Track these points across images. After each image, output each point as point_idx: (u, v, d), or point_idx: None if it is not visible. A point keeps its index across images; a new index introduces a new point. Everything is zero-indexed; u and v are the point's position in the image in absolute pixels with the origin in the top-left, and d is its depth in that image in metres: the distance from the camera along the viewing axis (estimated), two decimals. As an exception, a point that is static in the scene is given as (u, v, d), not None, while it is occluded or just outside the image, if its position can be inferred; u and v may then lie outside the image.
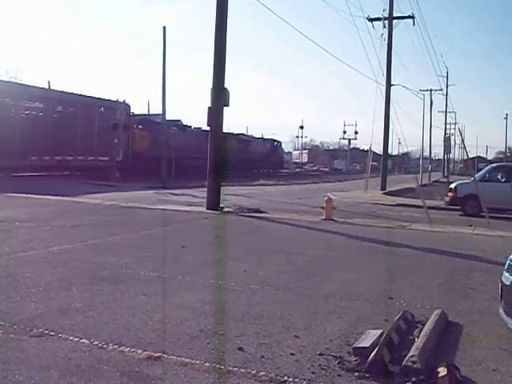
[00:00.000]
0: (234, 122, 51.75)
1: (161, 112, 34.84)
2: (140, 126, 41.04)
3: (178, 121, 46.85)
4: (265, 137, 76.96)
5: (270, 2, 28.07)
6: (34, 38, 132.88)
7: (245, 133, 69.13)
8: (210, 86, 17.28)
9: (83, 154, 35.61)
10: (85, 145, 35.78)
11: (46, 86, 34.56)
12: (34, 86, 34.17)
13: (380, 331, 5.05)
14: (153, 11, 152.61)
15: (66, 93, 35.82)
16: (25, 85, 35.24)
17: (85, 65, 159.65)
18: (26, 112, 33.40)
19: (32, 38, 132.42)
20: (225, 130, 19.02)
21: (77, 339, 4.86)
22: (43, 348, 4.63)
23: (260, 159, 64.94)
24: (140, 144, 39.02)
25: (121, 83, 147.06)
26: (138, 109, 45.52)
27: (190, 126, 48.37)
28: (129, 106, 39.39)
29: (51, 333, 5.00)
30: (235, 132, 59.53)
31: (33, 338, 4.85)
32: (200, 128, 45.17)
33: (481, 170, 25.75)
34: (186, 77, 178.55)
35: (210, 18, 17.28)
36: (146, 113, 47.59)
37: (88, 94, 37.74)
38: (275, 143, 74.68)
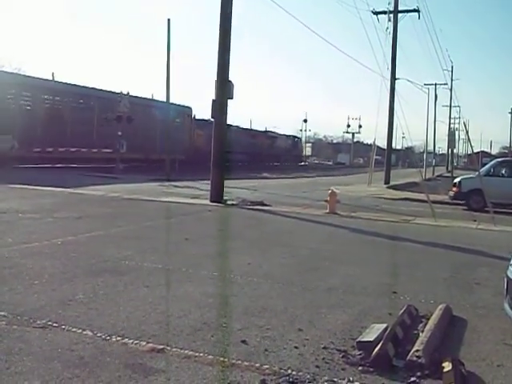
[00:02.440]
0: (236, 114, 52.67)
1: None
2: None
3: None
4: (287, 134, 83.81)
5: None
6: (38, 30, 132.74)
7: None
8: (215, 78, 17.25)
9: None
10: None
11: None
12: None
13: (384, 325, 5.02)
14: (157, 2, 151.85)
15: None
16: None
17: (88, 57, 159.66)
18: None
19: (35, 29, 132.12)
20: (229, 122, 19.09)
21: (80, 331, 4.84)
22: (46, 339, 4.61)
23: (284, 153, 73.73)
24: (198, 141, 46.44)
25: (124, 75, 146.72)
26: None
27: (230, 125, 53.54)
28: (191, 109, 46.67)
29: (54, 324, 4.98)
30: (240, 126, 62.74)
31: (36, 330, 4.83)
32: (238, 126, 56.75)
33: (485, 164, 25.68)
34: (191, 68, 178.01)
35: (216, 8, 17.20)
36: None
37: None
38: (296, 139, 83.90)
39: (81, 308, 5.54)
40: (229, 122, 18.66)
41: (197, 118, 48.77)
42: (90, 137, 35.62)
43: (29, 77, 34.43)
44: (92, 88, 37.49)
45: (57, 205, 14.44)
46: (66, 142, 33.67)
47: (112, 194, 18.52)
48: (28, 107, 32.77)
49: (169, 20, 33.26)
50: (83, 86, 36.57)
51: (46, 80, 34.33)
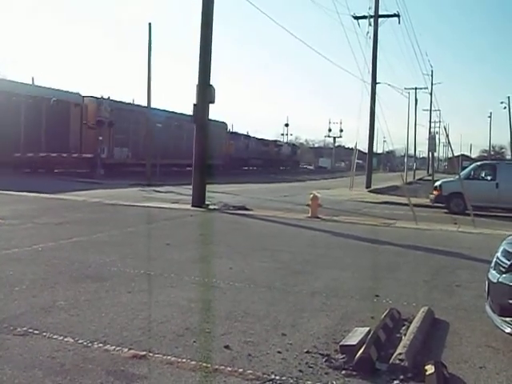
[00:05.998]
0: (217, 116, 53.72)
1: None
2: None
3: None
4: (282, 141, 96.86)
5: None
6: (19, 34, 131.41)
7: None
8: (196, 82, 17.23)
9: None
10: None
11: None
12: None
13: (367, 329, 5.03)
14: (141, 4, 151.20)
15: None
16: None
17: (69, 60, 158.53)
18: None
19: (17, 33, 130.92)
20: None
21: (61, 338, 4.79)
22: (27, 347, 4.56)
23: (286, 159, 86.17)
24: (230, 149, 58.91)
25: (107, 79, 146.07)
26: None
27: (249, 136, 70.52)
28: (226, 124, 59.32)
29: (35, 331, 4.92)
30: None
31: (16, 337, 4.77)
32: (254, 136, 72.71)
33: (465, 168, 25.93)
34: (175, 72, 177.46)
35: (198, 13, 17.24)
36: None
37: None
38: (295, 147, 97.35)
39: (62, 315, 5.48)
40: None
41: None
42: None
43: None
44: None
45: (37, 210, 14.31)
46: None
47: (93, 199, 18.41)
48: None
49: (150, 24, 33.27)
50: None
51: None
